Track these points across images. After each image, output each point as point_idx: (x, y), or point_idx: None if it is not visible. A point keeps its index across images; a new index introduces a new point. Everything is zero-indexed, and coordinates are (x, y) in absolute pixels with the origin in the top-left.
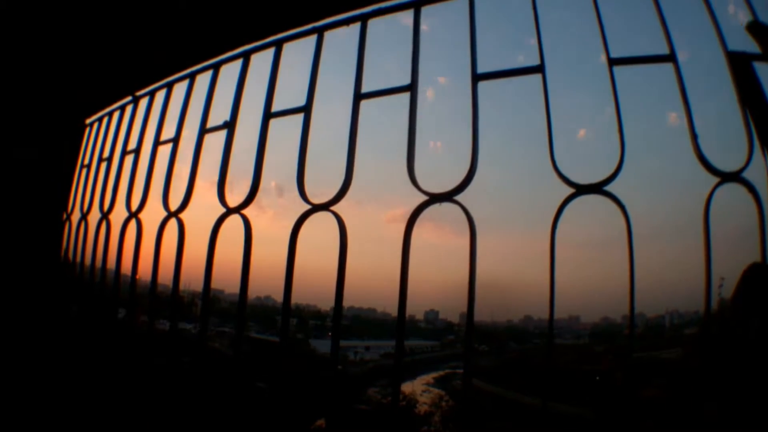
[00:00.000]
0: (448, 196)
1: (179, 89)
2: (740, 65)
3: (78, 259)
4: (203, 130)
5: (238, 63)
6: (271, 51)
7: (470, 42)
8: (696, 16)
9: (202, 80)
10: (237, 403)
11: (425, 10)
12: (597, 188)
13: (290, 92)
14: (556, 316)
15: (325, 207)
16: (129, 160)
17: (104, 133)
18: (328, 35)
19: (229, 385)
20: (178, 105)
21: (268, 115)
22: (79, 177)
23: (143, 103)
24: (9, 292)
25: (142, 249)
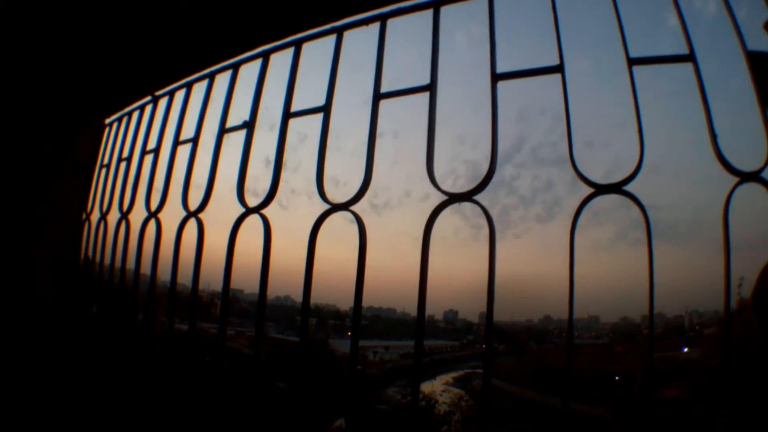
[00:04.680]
0: (467, 196)
1: (198, 89)
2: (759, 64)
3: (97, 259)
4: (222, 130)
5: (258, 63)
6: (290, 51)
7: (489, 42)
8: (715, 15)
9: (222, 80)
10: (256, 403)
11: (444, 10)
12: (617, 188)
13: (309, 92)
14: (576, 315)
15: (344, 207)
16: (148, 159)
17: (124, 132)
18: (347, 35)
19: (248, 386)
20: (198, 105)
21: (287, 114)
22: (99, 177)
23: (162, 103)
24: (27, 294)
25: (162, 249)
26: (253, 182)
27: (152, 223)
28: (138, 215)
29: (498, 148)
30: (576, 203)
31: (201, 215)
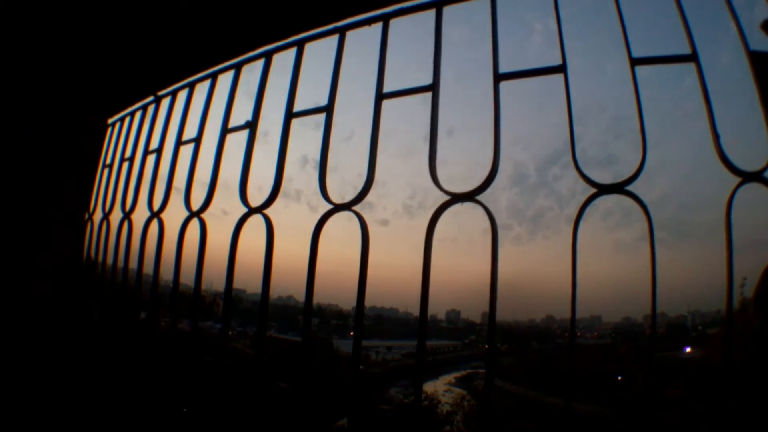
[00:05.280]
0: (469, 196)
1: (201, 89)
2: (762, 64)
3: (100, 258)
4: (225, 130)
5: (260, 63)
6: (292, 51)
7: (492, 42)
8: (718, 16)
9: (224, 80)
10: (259, 403)
11: (447, 10)
12: (619, 188)
13: (312, 92)
14: (578, 315)
15: (347, 207)
16: (151, 159)
17: (126, 132)
18: (349, 35)
19: (250, 386)
20: (200, 105)
21: (290, 114)
22: (101, 177)
23: (165, 103)
24: (28, 293)
25: (164, 249)
26: (286, 183)
27: (155, 223)
28: (140, 215)
29: (501, 148)
30: (609, 204)
31: (203, 215)
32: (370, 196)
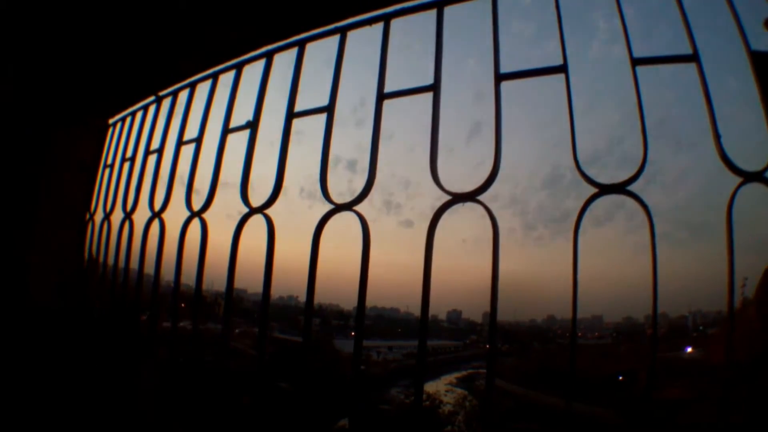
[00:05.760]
0: (471, 196)
1: (202, 89)
2: (763, 64)
3: (101, 259)
4: (226, 130)
5: (261, 63)
6: (293, 51)
7: (493, 42)
8: (718, 15)
9: (225, 80)
10: (260, 403)
11: (448, 10)
12: (620, 188)
13: (313, 92)
14: (579, 315)
15: (348, 207)
16: (152, 159)
17: (127, 132)
18: (351, 35)
19: (251, 386)
20: (201, 105)
21: (291, 114)
22: (102, 177)
23: (166, 103)
24: (29, 294)
25: (165, 249)
26: (312, 184)
27: (156, 223)
28: (141, 215)
29: (502, 148)
30: (635, 205)
31: (205, 215)
32: (399, 197)
